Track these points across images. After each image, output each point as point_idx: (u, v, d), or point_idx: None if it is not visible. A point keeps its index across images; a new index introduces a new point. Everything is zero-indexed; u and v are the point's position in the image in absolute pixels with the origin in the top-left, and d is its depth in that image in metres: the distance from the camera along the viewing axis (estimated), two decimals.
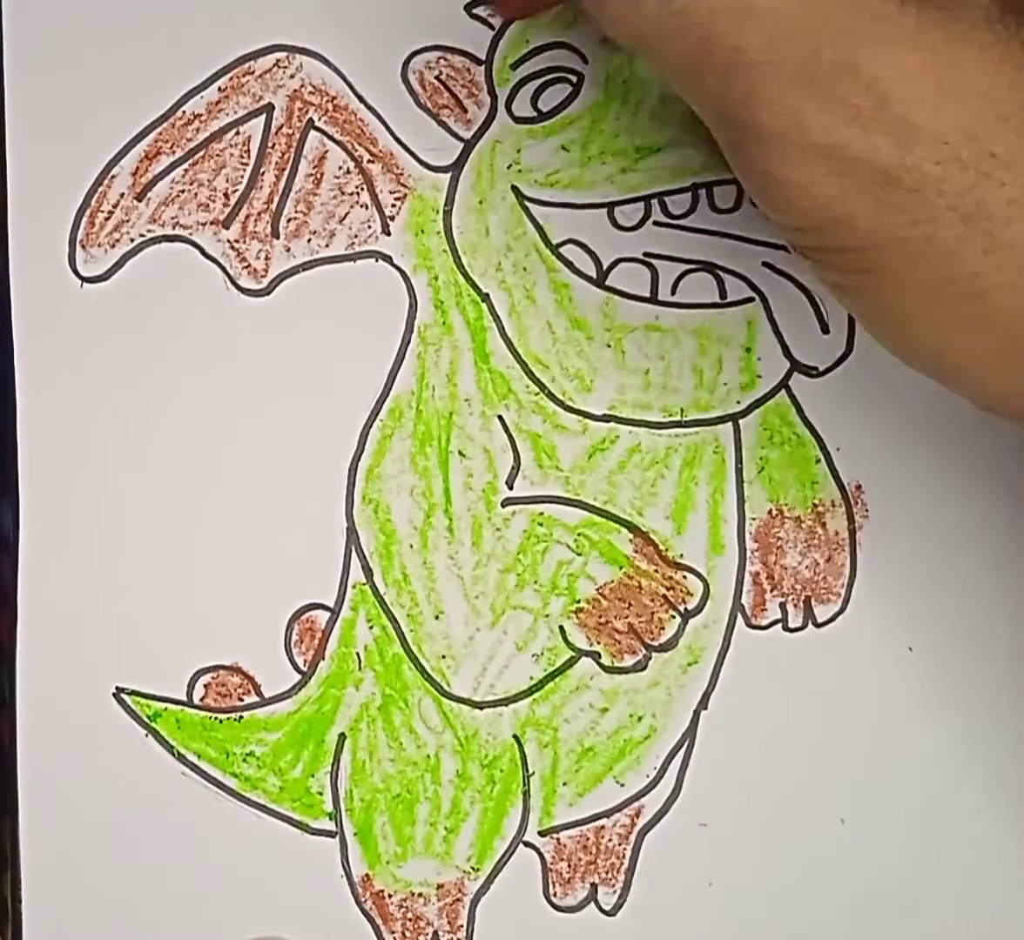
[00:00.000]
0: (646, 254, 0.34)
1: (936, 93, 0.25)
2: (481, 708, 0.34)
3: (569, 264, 0.34)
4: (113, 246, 0.33)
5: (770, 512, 0.35)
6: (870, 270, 0.26)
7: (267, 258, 0.33)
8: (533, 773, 0.34)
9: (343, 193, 0.34)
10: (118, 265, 0.33)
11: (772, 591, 0.35)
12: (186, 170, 0.33)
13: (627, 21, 0.26)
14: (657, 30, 0.26)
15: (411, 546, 0.34)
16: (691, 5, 0.25)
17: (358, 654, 0.34)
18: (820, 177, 0.25)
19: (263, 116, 0.33)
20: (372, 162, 0.34)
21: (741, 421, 0.35)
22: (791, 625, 0.35)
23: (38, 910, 0.33)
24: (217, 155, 0.33)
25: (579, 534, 0.34)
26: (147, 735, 0.33)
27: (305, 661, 0.34)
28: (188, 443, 0.33)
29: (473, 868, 0.34)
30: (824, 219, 0.26)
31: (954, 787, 0.35)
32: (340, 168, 0.33)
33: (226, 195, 0.33)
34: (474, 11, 0.34)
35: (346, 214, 0.34)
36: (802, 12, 0.25)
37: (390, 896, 0.34)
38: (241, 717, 0.34)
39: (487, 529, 0.34)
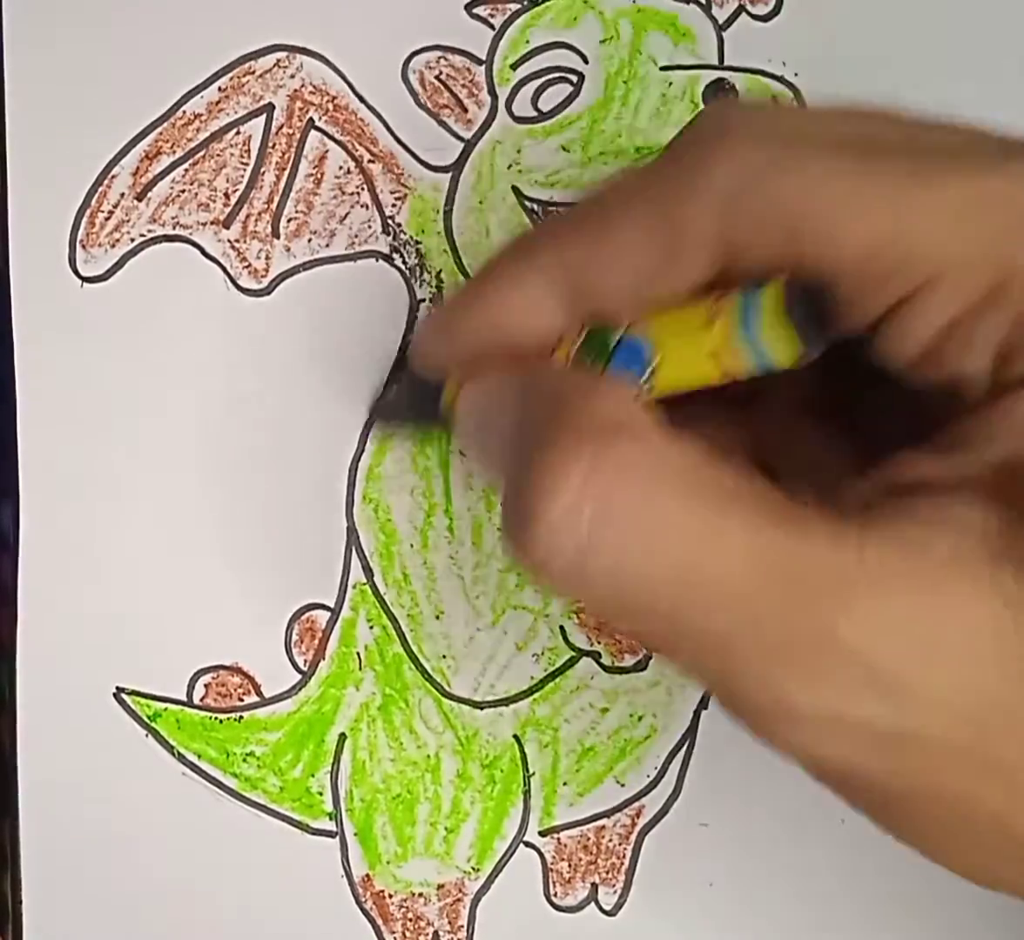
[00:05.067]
0: None
1: (923, 649, 0.22)
2: (481, 708, 0.34)
3: None
4: (113, 246, 0.33)
5: None
6: (886, 805, 0.24)
7: (267, 258, 0.33)
8: (533, 773, 0.34)
9: (343, 193, 0.34)
10: (118, 265, 0.33)
11: None
12: (186, 170, 0.33)
13: (561, 582, 0.23)
14: (615, 611, 0.23)
15: (411, 546, 0.34)
16: (643, 595, 0.22)
17: (358, 654, 0.34)
18: (819, 739, 0.23)
19: (263, 116, 0.33)
20: (372, 162, 0.34)
21: None
22: None
23: (38, 910, 0.33)
24: (217, 155, 0.33)
25: None
26: (147, 735, 0.33)
27: (305, 661, 0.34)
28: (188, 443, 0.33)
29: (473, 868, 0.34)
30: (831, 771, 0.24)
31: None
32: (340, 168, 0.34)
33: (226, 195, 0.33)
34: (474, 11, 0.34)
35: (346, 214, 0.34)
36: (760, 581, 0.22)
37: (390, 896, 0.34)
38: (241, 717, 0.34)
39: (487, 529, 0.34)
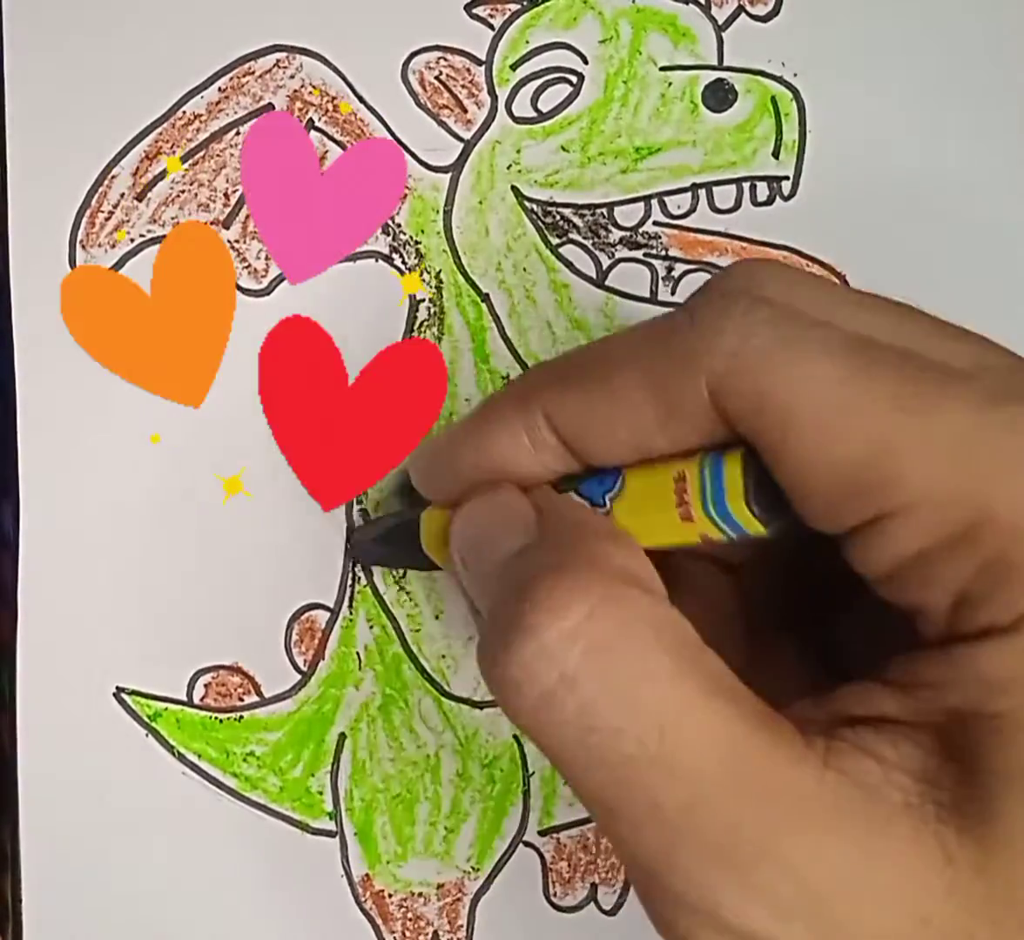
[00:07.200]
0: (646, 254, 0.34)
1: (858, 887, 0.22)
2: (481, 708, 0.34)
3: (569, 264, 0.34)
4: (113, 246, 0.33)
5: None
6: None
7: (267, 258, 0.33)
8: (533, 773, 0.34)
9: None
10: (118, 265, 0.33)
11: None
12: (186, 170, 0.33)
13: (530, 719, 0.23)
14: (572, 754, 0.23)
15: None
16: (607, 743, 0.22)
17: (358, 654, 0.34)
18: None
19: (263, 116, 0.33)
20: None
21: None
22: None
23: (38, 910, 0.33)
24: (217, 155, 0.33)
25: None
26: (147, 735, 0.33)
27: (305, 661, 0.34)
28: (188, 442, 0.33)
29: (473, 868, 0.34)
30: None
31: None
32: None
33: (226, 195, 0.33)
34: (474, 11, 0.34)
35: None
36: (723, 778, 0.22)
37: (390, 896, 0.34)
38: (241, 717, 0.34)
39: None
